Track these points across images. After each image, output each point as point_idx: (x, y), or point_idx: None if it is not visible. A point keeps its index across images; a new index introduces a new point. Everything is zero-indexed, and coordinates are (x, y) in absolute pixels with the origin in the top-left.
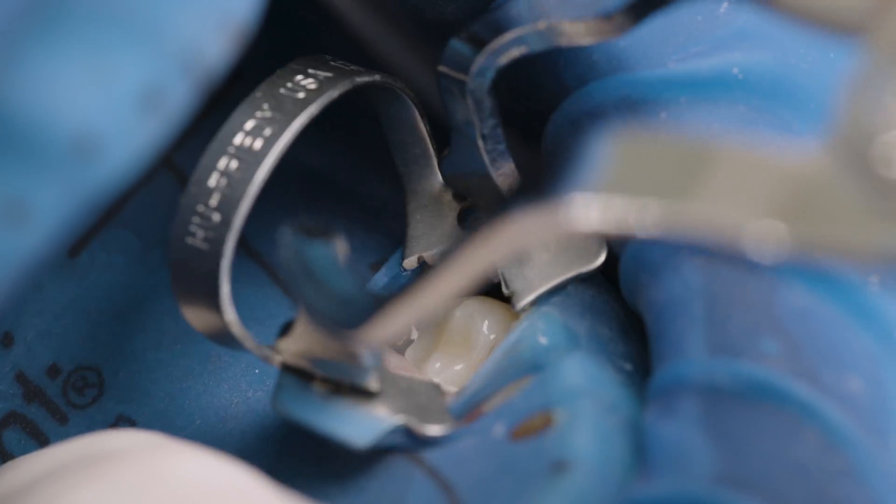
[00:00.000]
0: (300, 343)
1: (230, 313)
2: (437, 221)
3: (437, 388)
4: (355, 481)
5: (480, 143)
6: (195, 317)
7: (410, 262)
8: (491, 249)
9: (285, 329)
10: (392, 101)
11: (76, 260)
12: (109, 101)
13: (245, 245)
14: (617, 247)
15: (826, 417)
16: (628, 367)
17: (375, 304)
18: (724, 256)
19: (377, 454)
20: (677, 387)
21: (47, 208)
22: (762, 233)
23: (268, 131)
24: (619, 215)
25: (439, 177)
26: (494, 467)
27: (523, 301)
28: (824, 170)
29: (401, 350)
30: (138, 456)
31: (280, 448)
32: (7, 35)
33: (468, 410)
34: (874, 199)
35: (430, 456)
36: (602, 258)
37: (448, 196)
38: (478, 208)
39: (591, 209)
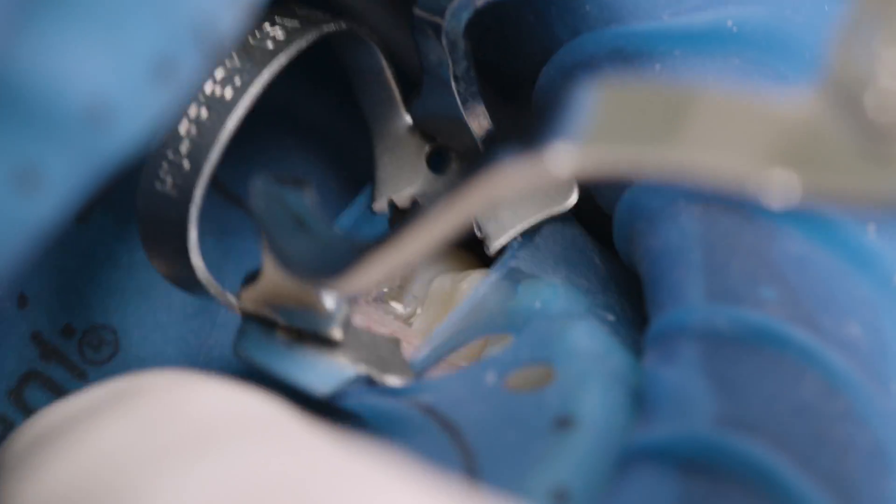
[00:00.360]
0: (264, 291)
1: (197, 259)
2: (405, 163)
3: (397, 343)
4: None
5: (453, 84)
6: (162, 263)
7: (380, 206)
8: (474, 198)
9: (250, 277)
10: (357, 47)
11: (86, 224)
12: (122, 70)
13: (224, 190)
14: (609, 197)
15: (826, 362)
16: (611, 317)
17: (352, 252)
18: (720, 205)
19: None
20: (677, 333)
21: (59, 176)
22: (768, 180)
23: (238, 81)
24: (604, 162)
25: (406, 119)
26: (495, 414)
27: (496, 243)
28: (816, 115)
29: (408, 322)
30: (162, 390)
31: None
32: (21, 4)
33: (434, 362)
34: (866, 143)
35: (428, 398)
36: (574, 198)
37: (416, 138)
38: (448, 150)
39: (576, 156)
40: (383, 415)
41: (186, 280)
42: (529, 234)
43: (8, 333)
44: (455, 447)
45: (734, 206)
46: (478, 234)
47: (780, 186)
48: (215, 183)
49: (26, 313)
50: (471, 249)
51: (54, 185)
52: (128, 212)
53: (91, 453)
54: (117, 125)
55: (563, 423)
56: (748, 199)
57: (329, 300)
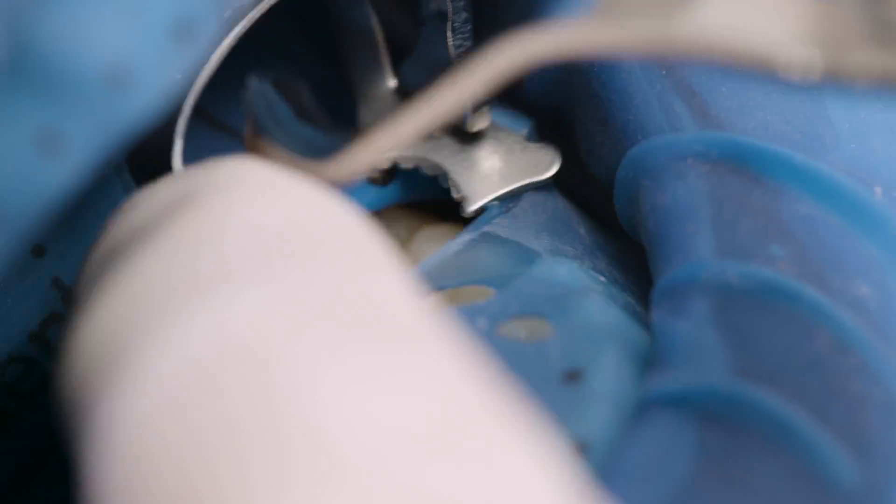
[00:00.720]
0: None
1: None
2: None
3: None
4: None
5: (450, 37)
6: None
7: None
8: (477, 75)
9: None
10: (350, 4)
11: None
12: (142, 34)
13: (218, 123)
14: (608, 160)
15: (838, 320)
16: (602, 279)
17: (346, 140)
18: (728, 165)
19: None
20: (688, 287)
21: (80, 139)
22: (790, 56)
23: (227, 14)
24: (612, 37)
25: (391, 83)
26: (496, 359)
27: (474, 205)
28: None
29: None
30: (214, 199)
31: None
32: None
33: None
34: (880, 30)
35: None
36: (555, 169)
37: (398, 100)
38: None
39: (585, 30)
40: None
41: None
42: (509, 202)
43: (28, 280)
44: None
45: (742, 167)
46: (454, 195)
47: (801, 62)
48: (209, 118)
49: (43, 262)
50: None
51: (75, 148)
52: None
53: (128, 288)
54: (137, 89)
55: (573, 376)
56: (766, 75)
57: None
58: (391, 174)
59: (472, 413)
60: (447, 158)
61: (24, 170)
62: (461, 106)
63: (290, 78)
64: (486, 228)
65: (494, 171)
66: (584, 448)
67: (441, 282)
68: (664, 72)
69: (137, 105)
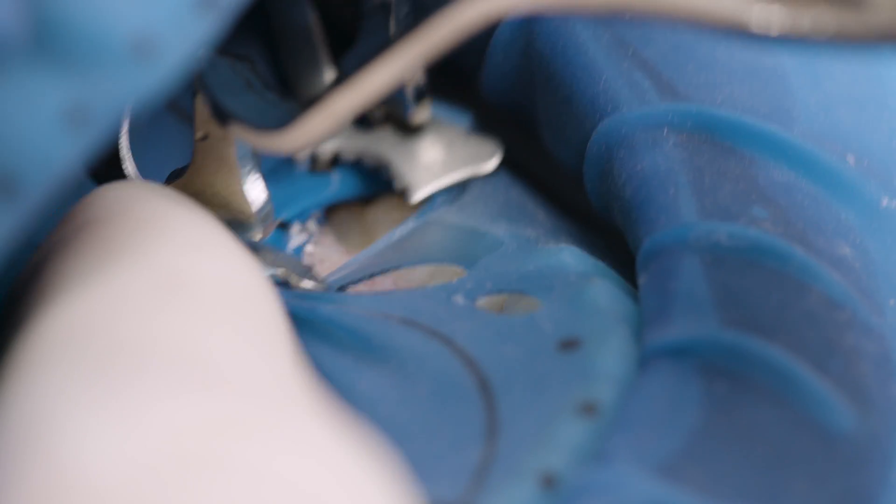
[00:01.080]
0: (189, 186)
1: (130, 168)
2: None
3: (310, 267)
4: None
5: (392, 25)
6: (100, 171)
7: (302, 157)
8: (431, 35)
9: (176, 173)
10: (290, 3)
11: None
12: (167, 3)
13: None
14: (576, 137)
15: (825, 278)
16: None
17: (301, 106)
18: (702, 135)
19: None
20: (675, 248)
21: (107, 111)
22: (751, 13)
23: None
24: None
25: (329, 75)
26: (485, 331)
27: (417, 195)
28: None
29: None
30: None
31: None
32: None
33: (349, 284)
34: None
35: (398, 310)
36: (496, 161)
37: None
38: (374, 108)
39: None
40: (347, 324)
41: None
42: (456, 191)
43: None
44: (464, 365)
45: (716, 138)
46: (396, 186)
47: (760, 18)
48: (175, 107)
49: None
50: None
51: (101, 119)
52: None
53: None
54: (162, 59)
55: (569, 344)
56: (726, 32)
57: (253, 196)
58: (333, 163)
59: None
60: (389, 150)
61: (48, 144)
62: (414, 66)
63: (242, 49)
64: (432, 216)
65: (437, 162)
66: (591, 409)
67: (386, 264)
68: (629, 52)
69: (161, 74)
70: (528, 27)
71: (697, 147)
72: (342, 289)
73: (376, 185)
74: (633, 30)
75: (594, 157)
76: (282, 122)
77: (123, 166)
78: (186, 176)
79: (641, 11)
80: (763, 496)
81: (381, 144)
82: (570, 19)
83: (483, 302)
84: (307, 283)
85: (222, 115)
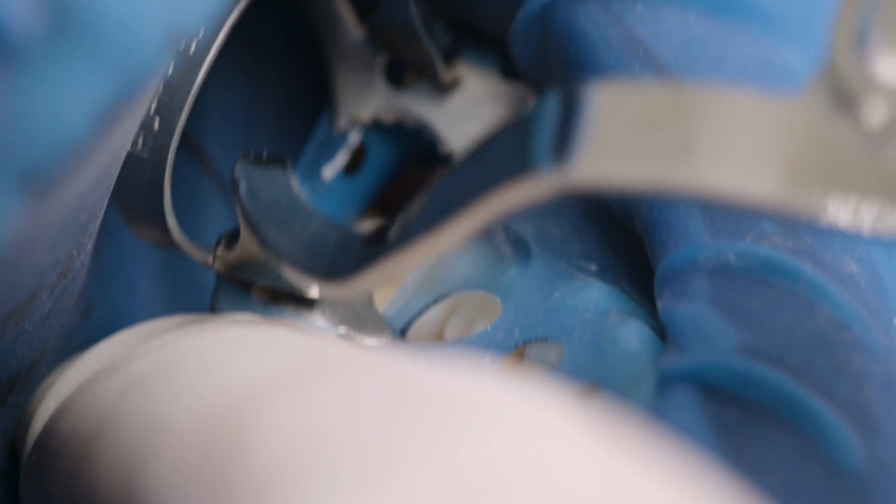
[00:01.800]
0: (241, 253)
1: (172, 220)
2: (361, 79)
3: (370, 299)
4: None
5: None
6: (140, 227)
7: (343, 124)
8: (479, 212)
9: (227, 241)
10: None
11: None
12: None
13: (188, 142)
14: None
15: (834, 296)
16: (593, 267)
17: (339, 242)
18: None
19: None
20: (687, 270)
21: (140, 105)
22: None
23: (200, 33)
24: (621, 178)
25: (357, 33)
26: None
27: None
28: (816, 115)
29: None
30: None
31: None
32: None
33: (409, 318)
34: (866, 144)
35: None
36: (534, 103)
37: (368, 52)
38: (403, 62)
39: (593, 171)
40: None
41: (163, 240)
42: None
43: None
44: None
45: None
46: (440, 149)
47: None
48: (186, 141)
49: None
50: None
51: (134, 115)
52: None
53: None
54: (190, 50)
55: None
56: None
57: None
58: (361, 153)
59: None
60: (428, 110)
61: (79, 139)
62: (462, 236)
63: (272, 153)
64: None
65: (474, 115)
66: None
67: (436, 291)
68: (640, 52)
69: (194, 61)
70: (542, 21)
71: None
72: (404, 332)
73: (412, 147)
74: (645, 26)
75: None
76: (331, 264)
77: (167, 220)
78: (241, 244)
79: (682, 191)
80: None
81: (419, 104)
82: (580, 19)
83: (510, 354)
84: (370, 340)
85: (269, 250)
